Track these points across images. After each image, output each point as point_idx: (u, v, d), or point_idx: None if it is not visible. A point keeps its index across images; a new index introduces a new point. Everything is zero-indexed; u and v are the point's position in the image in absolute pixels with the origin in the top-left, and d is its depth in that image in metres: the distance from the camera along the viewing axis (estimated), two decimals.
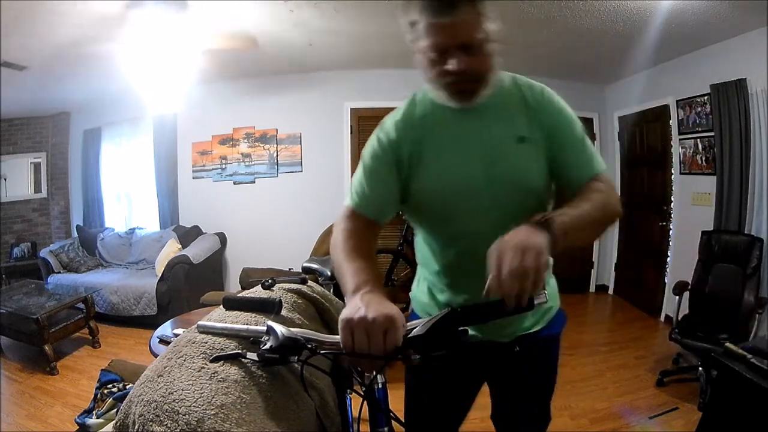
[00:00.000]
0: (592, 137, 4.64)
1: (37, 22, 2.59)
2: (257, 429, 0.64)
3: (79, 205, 5.41)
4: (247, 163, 4.61)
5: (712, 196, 3.25)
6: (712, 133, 3.27)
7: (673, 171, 3.81)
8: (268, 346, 0.72)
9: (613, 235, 4.68)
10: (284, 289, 1.07)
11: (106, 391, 1.89)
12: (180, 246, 4.31)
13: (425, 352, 0.67)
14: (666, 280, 3.83)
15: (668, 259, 3.87)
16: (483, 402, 1.16)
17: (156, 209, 4.99)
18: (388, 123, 0.98)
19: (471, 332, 0.73)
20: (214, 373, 0.69)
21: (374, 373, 0.75)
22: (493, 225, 0.93)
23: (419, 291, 1.13)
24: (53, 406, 2.57)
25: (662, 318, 3.79)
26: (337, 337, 0.70)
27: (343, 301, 0.82)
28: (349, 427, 0.98)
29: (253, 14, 2.78)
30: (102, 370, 2.06)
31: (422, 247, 1.08)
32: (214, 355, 0.73)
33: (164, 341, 2.17)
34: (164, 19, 2.53)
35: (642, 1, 2.55)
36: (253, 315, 0.89)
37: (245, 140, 4.60)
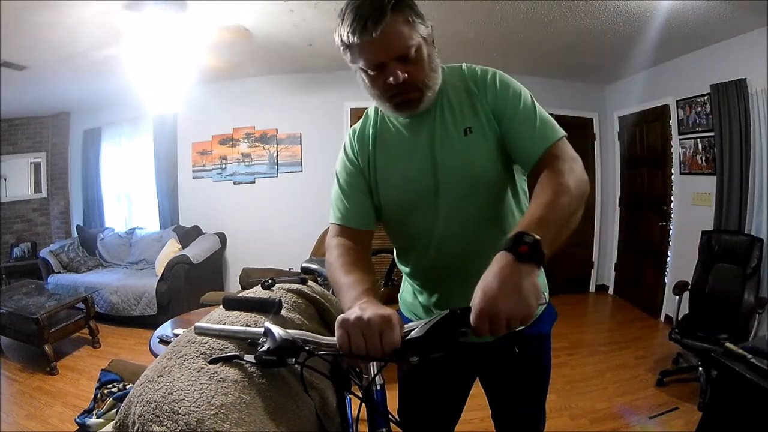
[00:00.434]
0: (592, 137, 4.64)
1: (37, 22, 2.59)
2: (257, 429, 0.64)
3: (79, 205, 5.42)
4: (247, 163, 4.61)
5: (712, 196, 3.25)
6: (712, 133, 3.27)
7: (673, 171, 3.81)
8: (265, 348, 0.71)
9: (613, 235, 4.68)
10: (284, 289, 1.07)
11: (106, 391, 1.89)
12: (180, 246, 4.31)
13: (423, 354, 0.67)
14: (666, 280, 3.83)
15: (668, 259, 3.87)
16: (483, 402, 1.16)
17: (156, 209, 4.99)
18: (347, 136, 1.02)
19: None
20: (213, 374, 0.69)
21: (373, 374, 0.75)
22: (449, 223, 0.94)
23: (405, 292, 1.16)
24: (53, 406, 2.57)
25: (662, 318, 3.79)
26: (335, 339, 0.70)
27: None
28: (349, 427, 0.98)
29: (253, 14, 2.78)
30: (102, 370, 2.06)
31: (396, 250, 1.11)
32: (213, 357, 0.73)
33: (164, 341, 2.17)
34: (164, 19, 2.53)
35: (642, 1, 2.55)
36: (253, 315, 0.89)
37: (245, 140, 4.60)
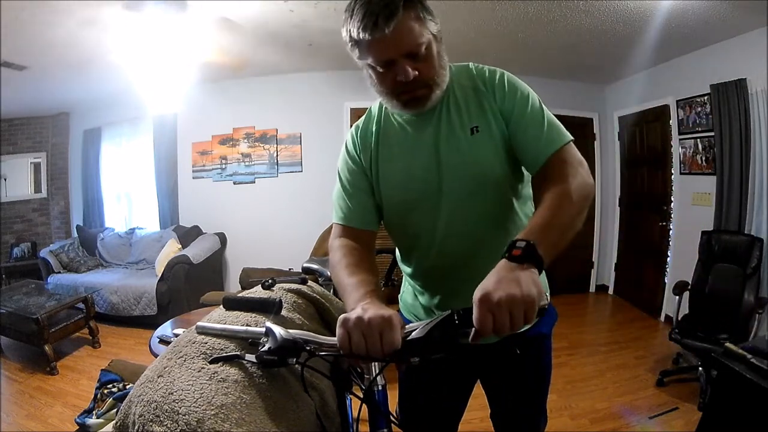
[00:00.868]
0: (592, 137, 4.64)
1: (37, 22, 2.59)
2: (257, 429, 0.64)
3: (79, 205, 5.42)
4: (247, 163, 4.61)
5: (712, 196, 3.25)
6: (712, 133, 3.27)
7: (673, 171, 3.81)
8: (266, 347, 0.71)
9: (613, 235, 4.69)
10: (284, 289, 1.07)
11: (106, 391, 1.89)
12: (180, 246, 4.31)
13: (424, 355, 0.67)
14: (666, 280, 3.83)
15: (668, 259, 3.87)
16: (483, 402, 1.16)
17: (156, 209, 4.99)
18: (350, 134, 1.01)
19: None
20: (214, 374, 0.69)
21: (374, 375, 0.75)
22: (452, 222, 0.93)
23: (406, 293, 1.15)
24: (53, 406, 2.57)
25: (662, 318, 3.79)
26: (336, 339, 0.70)
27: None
28: (349, 427, 0.98)
29: (252, 14, 2.78)
30: (102, 370, 2.06)
31: (398, 251, 1.10)
32: (213, 357, 0.73)
33: (164, 341, 2.17)
34: (164, 19, 2.54)
35: (642, 1, 2.55)
36: (253, 315, 0.89)
37: (245, 140, 4.60)
